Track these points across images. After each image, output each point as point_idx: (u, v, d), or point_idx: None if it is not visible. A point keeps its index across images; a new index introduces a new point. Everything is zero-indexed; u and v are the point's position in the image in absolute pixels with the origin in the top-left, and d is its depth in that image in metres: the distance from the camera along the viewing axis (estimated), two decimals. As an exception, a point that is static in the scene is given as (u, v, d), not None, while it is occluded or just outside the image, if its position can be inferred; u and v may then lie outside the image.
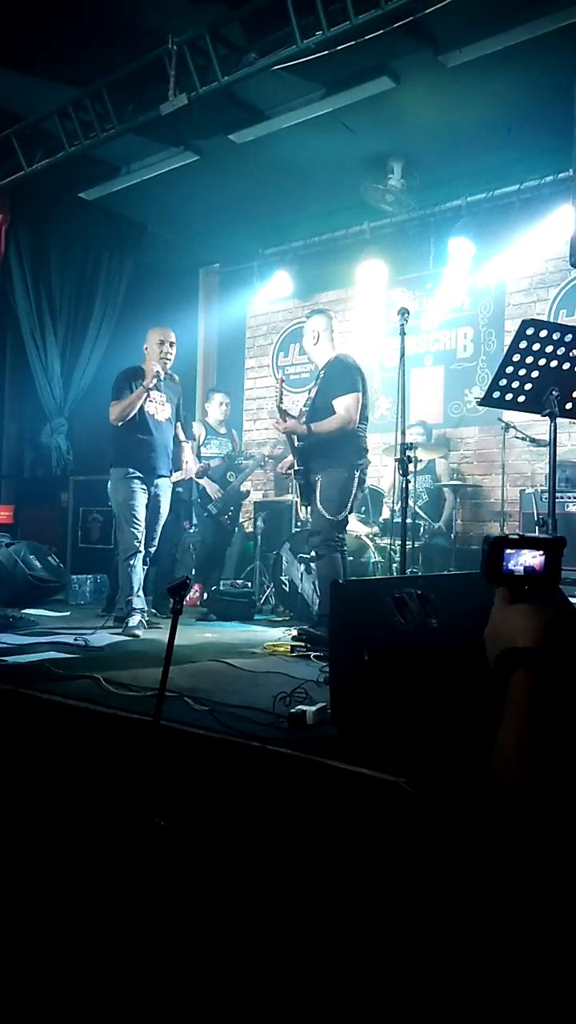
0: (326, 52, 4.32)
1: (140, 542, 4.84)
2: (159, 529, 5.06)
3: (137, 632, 4.60)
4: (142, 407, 4.88)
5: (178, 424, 5.19)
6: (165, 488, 5.06)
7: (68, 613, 5.67)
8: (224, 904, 1.97)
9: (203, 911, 1.96)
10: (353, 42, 4.25)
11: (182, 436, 5.25)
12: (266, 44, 4.49)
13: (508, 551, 1.05)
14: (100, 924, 1.96)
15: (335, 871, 1.92)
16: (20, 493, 7.91)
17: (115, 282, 7.36)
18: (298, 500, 4.94)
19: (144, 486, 4.88)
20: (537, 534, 1.06)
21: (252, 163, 5.91)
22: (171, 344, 5.04)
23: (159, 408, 4.99)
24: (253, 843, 2.10)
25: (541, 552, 1.05)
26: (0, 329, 7.34)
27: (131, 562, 4.81)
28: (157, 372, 4.85)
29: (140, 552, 4.85)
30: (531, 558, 1.05)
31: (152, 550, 5.06)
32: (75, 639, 4.20)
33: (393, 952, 1.69)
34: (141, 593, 4.86)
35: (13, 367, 7.66)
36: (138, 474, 4.86)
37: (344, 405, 4.24)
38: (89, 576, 6.50)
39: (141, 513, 4.85)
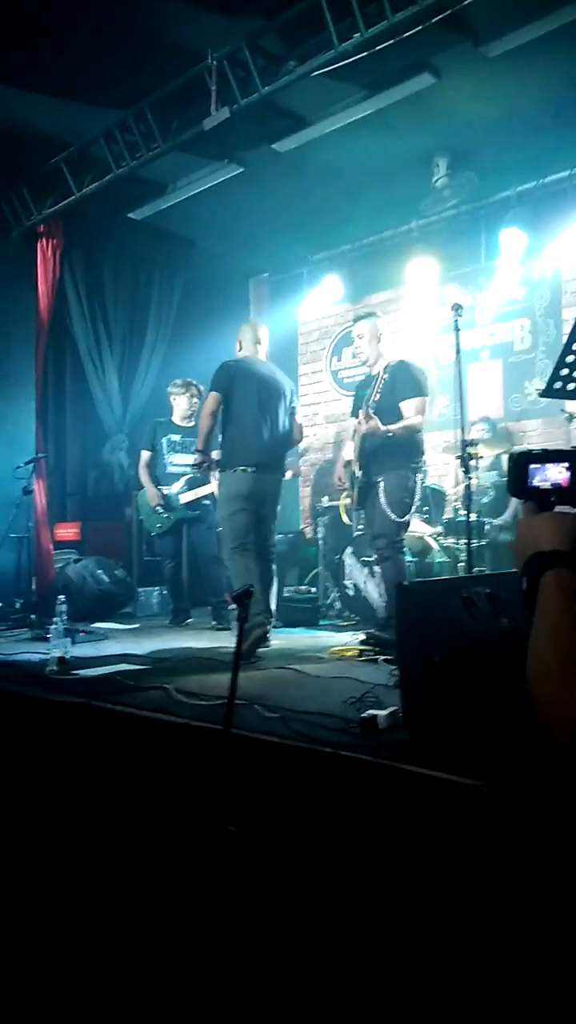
0: (365, 53, 4.31)
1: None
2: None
3: None
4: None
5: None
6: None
7: (137, 625, 5.76)
8: (299, 913, 1.96)
9: (276, 920, 1.95)
10: (391, 41, 4.23)
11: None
12: (304, 51, 4.50)
13: (533, 466, 1.05)
14: (174, 931, 1.96)
15: (415, 878, 1.89)
16: (85, 510, 8.05)
17: (167, 298, 7.46)
18: (345, 504, 4.87)
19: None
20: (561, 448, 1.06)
21: (296, 171, 5.93)
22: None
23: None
24: (328, 850, 2.08)
25: (566, 465, 1.05)
26: (59, 351, 7.50)
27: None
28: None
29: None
30: (556, 472, 1.05)
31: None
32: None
33: (475, 958, 1.65)
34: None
35: (73, 388, 7.82)
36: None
37: (415, 408, 4.25)
38: (155, 588, 6.59)
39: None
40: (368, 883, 1.96)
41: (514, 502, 5.89)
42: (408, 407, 4.24)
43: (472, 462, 4.17)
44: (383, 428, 4.11)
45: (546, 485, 1.05)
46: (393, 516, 4.21)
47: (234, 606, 2.16)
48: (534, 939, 1.58)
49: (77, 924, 2.06)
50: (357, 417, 4.60)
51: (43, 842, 2.60)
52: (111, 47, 4.64)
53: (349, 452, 4.57)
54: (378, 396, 4.19)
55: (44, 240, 6.44)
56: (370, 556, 4.88)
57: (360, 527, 5.46)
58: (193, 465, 4.89)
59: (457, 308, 4.18)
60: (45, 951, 1.95)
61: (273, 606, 4.62)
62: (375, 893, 1.93)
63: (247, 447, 4.41)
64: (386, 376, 4.29)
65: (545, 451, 1.06)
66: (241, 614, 2.06)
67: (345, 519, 5.12)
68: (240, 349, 4.77)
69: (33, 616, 5.63)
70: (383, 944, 1.81)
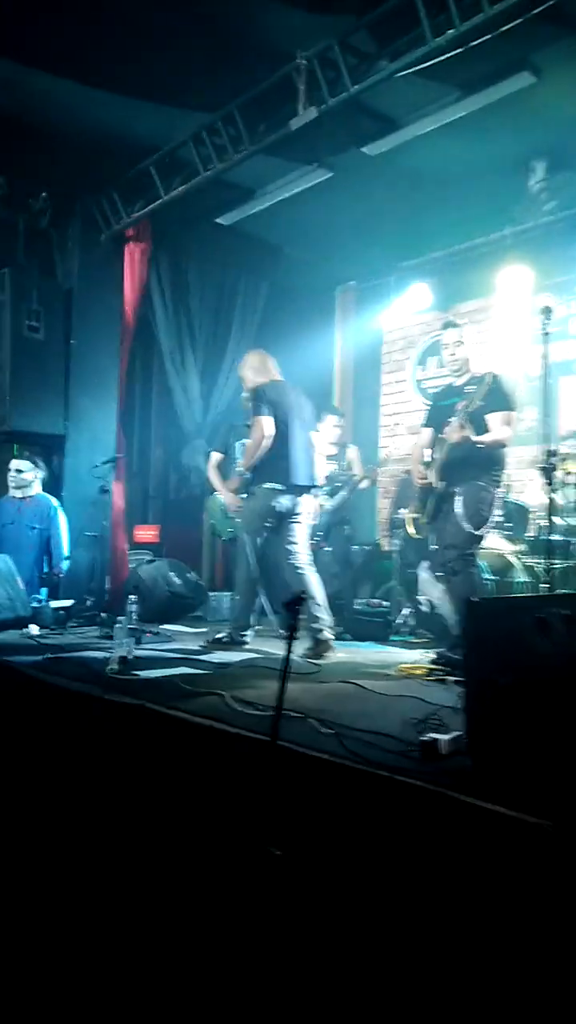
0: (459, 50, 4.13)
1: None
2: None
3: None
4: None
5: None
6: None
7: (205, 629, 5.70)
8: (341, 948, 1.81)
9: (316, 952, 1.81)
10: (488, 36, 4.04)
11: None
12: (396, 48, 4.35)
13: None
14: (209, 954, 1.85)
15: (467, 918, 1.72)
16: (166, 513, 8.12)
17: (251, 305, 7.45)
18: (413, 517, 4.72)
19: None
20: None
21: (386, 175, 5.81)
22: None
23: None
24: (376, 881, 1.93)
25: None
26: (146, 354, 7.58)
27: None
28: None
29: None
30: None
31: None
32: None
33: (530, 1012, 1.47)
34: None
35: (159, 391, 7.90)
36: None
37: (503, 420, 4.13)
38: (227, 593, 6.52)
39: None
40: (418, 919, 1.80)
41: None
42: (495, 419, 4.12)
43: (557, 474, 3.93)
44: (475, 438, 4.00)
45: None
46: (468, 527, 4.04)
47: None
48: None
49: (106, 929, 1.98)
50: (429, 427, 4.46)
51: (77, 842, 2.54)
52: (201, 49, 4.62)
53: (423, 455, 4.46)
54: (480, 403, 4.05)
55: (132, 244, 6.50)
56: (440, 569, 4.68)
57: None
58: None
59: (546, 311, 3.98)
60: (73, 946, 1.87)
61: (324, 616, 4.52)
62: (425, 931, 1.77)
63: (284, 466, 4.59)
64: (473, 387, 4.13)
65: None
66: (291, 621, 1.94)
67: (411, 531, 4.94)
68: (263, 373, 4.86)
69: (104, 615, 5.66)
70: (430, 986, 1.65)
